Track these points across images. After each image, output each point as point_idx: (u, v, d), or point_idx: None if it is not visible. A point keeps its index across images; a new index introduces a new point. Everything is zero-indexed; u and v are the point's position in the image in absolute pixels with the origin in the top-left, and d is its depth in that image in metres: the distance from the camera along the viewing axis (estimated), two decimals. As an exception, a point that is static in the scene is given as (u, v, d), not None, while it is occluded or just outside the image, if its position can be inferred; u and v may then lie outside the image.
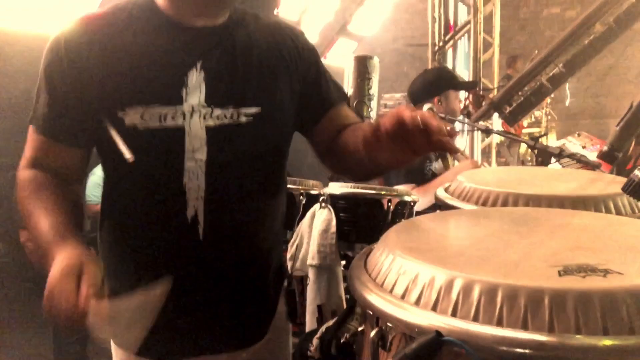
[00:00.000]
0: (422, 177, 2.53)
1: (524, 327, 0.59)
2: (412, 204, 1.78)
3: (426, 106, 2.79)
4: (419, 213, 1.81)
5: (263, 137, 1.08)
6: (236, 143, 1.05)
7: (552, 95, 5.43)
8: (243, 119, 1.05)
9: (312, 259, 1.65)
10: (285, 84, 1.12)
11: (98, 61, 1.00)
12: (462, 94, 5.05)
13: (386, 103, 5.14)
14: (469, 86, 2.68)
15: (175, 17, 1.05)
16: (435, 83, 2.74)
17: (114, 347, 1.12)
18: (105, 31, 1.02)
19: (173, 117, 1.01)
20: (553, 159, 2.14)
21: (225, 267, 1.09)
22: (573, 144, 3.25)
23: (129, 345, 1.03)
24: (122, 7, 1.06)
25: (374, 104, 2.94)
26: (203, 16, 1.06)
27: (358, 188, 1.73)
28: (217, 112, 1.03)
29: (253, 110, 1.06)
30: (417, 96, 2.78)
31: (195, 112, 1.02)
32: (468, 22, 4.95)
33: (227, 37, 1.08)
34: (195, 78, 1.02)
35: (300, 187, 1.90)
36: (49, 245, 0.92)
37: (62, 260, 0.87)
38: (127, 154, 0.97)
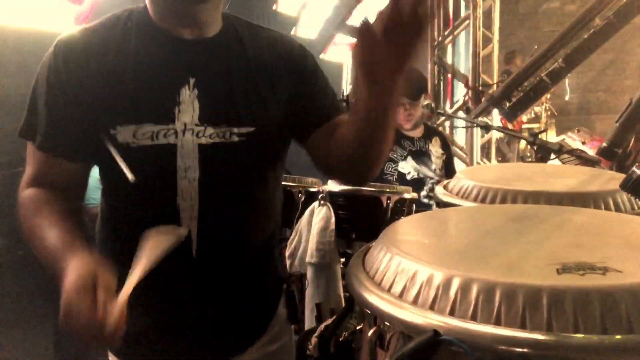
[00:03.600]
0: (380, 178, 2.54)
1: (522, 326, 0.58)
2: (411, 201, 1.78)
3: (425, 101, 2.79)
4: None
5: (257, 156, 1.07)
6: (229, 161, 1.04)
7: (552, 91, 5.42)
8: (236, 138, 1.03)
9: (311, 257, 1.65)
10: (280, 100, 1.09)
11: (94, 75, 0.99)
12: (462, 91, 5.05)
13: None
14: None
15: (167, 28, 1.03)
16: None
17: (110, 356, 1.12)
18: (101, 46, 1.01)
19: (165, 135, 0.99)
20: (552, 155, 2.13)
21: (219, 282, 1.08)
22: (572, 140, 3.25)
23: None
24: (117, 19, 1.04)
25: (373, 100, 2.95)
26: (192, 26, 1.04)
27: (357, 186, 1.72)
28: (210, 130, 1.02)
29: (247, 129, 1.04)
30: None
31: (188, 130, 1.00)
32: (467, 17, 4.93)
33: (221, 50, 1.06)
34: (188, 96, 1.01)
35: (299, 185, 1.90)
36: (58, 257, 0.89)
37: (74, 272, 0.84)
38: (129, 175, 0.97)
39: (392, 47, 0.83)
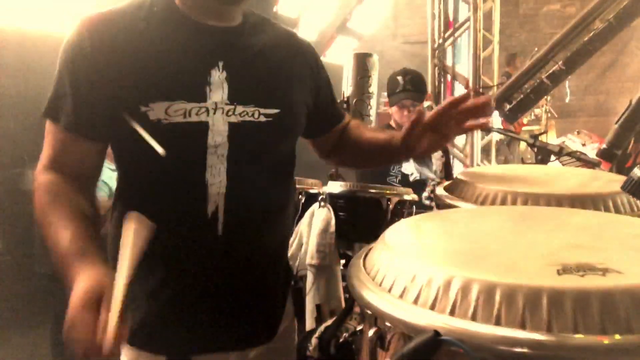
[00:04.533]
0: (384, 179, 2.57)
1: (522, 326, 0.58)
2: (411, 203, 1.78)
3: (426, 103, 2.79)
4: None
5: (280, 138, 1.13)
6: (256, 140, 1.08)
7: (552, 93, 5.42)
8: (263, 118, 1.08)
9: (311, 258, 1.65)
10: (298, 93, 1.17)
11: (122, 56, 1.01)
12: (462, 93, 5.04)
13: (386, 101, 5.12)
14: (405, 98, 2.67)
15: (193, 16, 1.07)
16: (387, 85, 2.77)
17: (124, 347, 1.11)
18: (127, 27, 1.03)
19: (197, 113, 1.02)
20: (553, 157, 2.14)
21: (241, 262, 1.10)
22: (573, 142, 3.25)
23: None
24: (140, 4, 1.07)
25: (373, 102, 2.93)
26: (217, 16, 1.08)
27: (357, 187, 1.72)
28: (240, 109, 1.06)
29: (273, 111, 1.09)
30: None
31: (219, 108, 1.04)
32: (468, 19, 4.93)
33: (245, 39, 1.11)
34: (218, 76, 1.05)
35: (299, 186, 1.89)
36: (69, 262, 0.90)
37: (82, 284, 0.84)
38: (159, 148, 0.98)
39: (434, 135, 1.12)
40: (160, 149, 0.97)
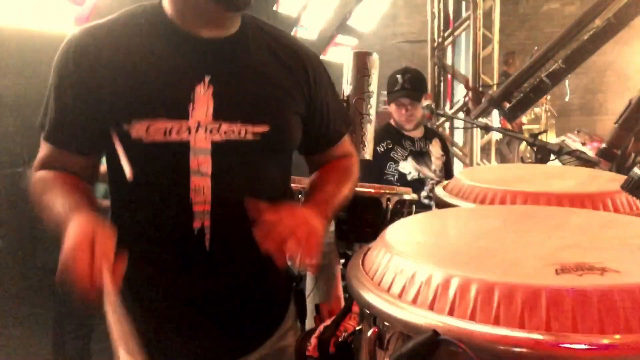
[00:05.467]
0: (381, 178, 2.56)
1: (521, 326, 0.58)
2: (411, 202, 1.78)
3: (425, 102, 2.79)
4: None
5: (268, 156, 1.08)
6: (242, 159, 1.05)
7: (552, 92, 5.42)
8: (250, 137, 1.03)
9: (311, 257, 1.64)
10: (294, 106, 1.11)
11: (106, 71, 1.00)
12: (462, 92, 5.05)
13: (385, 99, 5.11)
14: (401, 96, 2.66)
15: (184, 27, 1.03)
16: (386, 84, 2.77)
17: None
18: (114, 42, 1.02)
19: (178, 131, 0.99)
20: (552, 156, 2.13)
21: (233, 276, 1.09)
22: (572, 141, 3.25)
23: None
24: (130, 14, 1.05)
25: (373, 100, 2.92)
26: (212, 26, 1.04)
27: (357, 187, 1.72)
28: (225, 127, 1.02)
29: (262, 129, 1.04)
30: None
31: (201, 126, 1.01)
32: (467, 18, 4.93)
33: (238, 50, 1.06)
34: (203, 92, 1.01)
35: (298, 186, 1.89)
36: (63, 219, 0.91)
37: (75, 228, 0.86)
38: (128, 172, 0.97)
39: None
40: (128, 172, 0.97)
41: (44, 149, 1.08)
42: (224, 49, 1.05)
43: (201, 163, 1.01)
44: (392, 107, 2.78)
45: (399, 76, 2.74)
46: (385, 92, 2.87)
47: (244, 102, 1.04)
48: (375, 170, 2.55)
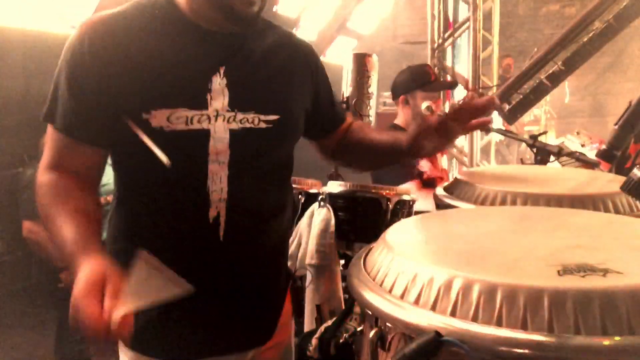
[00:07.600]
0: (414, 175, 2.55)
1: (524, 327, 0.59)
2: (411, 203, 1.78)
3: (424, 104, 2.79)
4: (418, 213, 1.81)
5: (279, 143, 1.14)
6: (256, 146, 1.09)
7: (552, 93, 5.42)
8: (263, 125, 1.08)
9: (310, 258, 1.64)
10: (298, 97, 1.17)
11: (122, 62, 1.00)
12: (461, 93, 5.05)
13: (385, 101, 5.11)
14: (443, 87, 2.63)
15: (196, 21, 1.06)
16: (405, 81, 2.74)
17: (122, 349, 1.12)
18: (128, 31, 1.02)
19: (199, 120, 1.02)
20: (552, 158, 2.14)
21: (242, 266, 1.11)
22: (572, 142, 3.25)
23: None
24: (142, 6, 1.06)
25: (373, 102, 2.93)
26: (223, 22, 1.07)
27: (357, 187, 1.72)
28: (240, 116, 1.06)
29: (273, 117, 1.09)
30: (392, 92, 2.82)
31: (220, 115, 1.04)
32: (467, 20, 4.93)
33: (247, 45, 1.11)
34: (219, 83, 1.05)
35: (298, 186, 1.89)
36: (73, 255, 0.91)
37: (86, 273, 0.86)
38: (164, 158, 0.97)
39: (439, 138, 1.13)
40: (165, 159, 0.97)
41: (53, 143, 1.06)
42: (235, 43, 1.09)
43: (220, 151, 1.04)
44: (418, 98, 2.70)
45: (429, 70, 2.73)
46: (385, 94, 2.86)
47: (256, 93, 1.09)
48: (406, 165, 2.50)
